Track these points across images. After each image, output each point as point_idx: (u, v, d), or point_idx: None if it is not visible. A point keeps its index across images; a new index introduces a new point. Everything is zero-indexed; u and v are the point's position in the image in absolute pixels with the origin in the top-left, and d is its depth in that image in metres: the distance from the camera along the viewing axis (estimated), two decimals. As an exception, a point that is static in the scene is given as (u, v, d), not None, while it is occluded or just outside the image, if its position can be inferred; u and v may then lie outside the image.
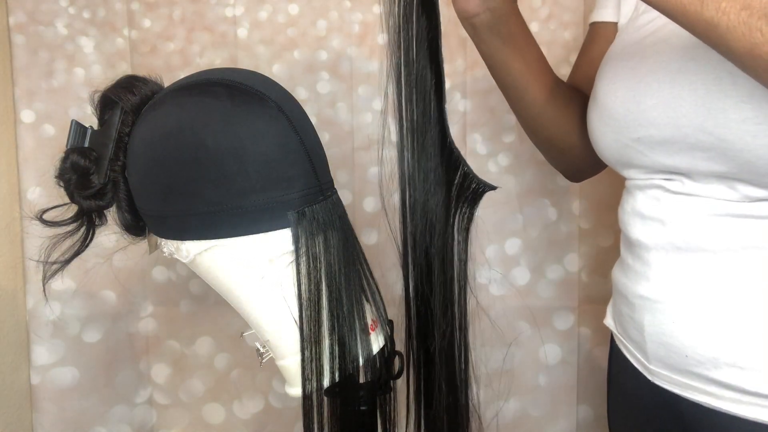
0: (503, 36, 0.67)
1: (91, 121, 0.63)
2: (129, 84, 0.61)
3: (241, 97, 0.57)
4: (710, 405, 0.56)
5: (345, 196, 1.08)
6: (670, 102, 0.55)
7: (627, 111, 0.60)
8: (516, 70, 0.70)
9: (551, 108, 0.73)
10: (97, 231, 0.64)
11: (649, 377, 0.62)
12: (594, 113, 0.66)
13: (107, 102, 0.62)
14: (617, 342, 0.70)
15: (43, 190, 1.03)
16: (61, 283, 1.04)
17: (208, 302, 1.10)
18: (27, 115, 1.03)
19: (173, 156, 0.56)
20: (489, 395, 1.14)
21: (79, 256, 0.64)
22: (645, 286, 0.61)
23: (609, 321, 0.71)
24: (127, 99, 0.60)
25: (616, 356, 0.71)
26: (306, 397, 0.60)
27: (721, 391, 0.55)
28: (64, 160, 0.60)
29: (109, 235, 0.65)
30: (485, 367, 1.13)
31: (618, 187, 0.69)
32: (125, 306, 1.09)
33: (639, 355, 0.64)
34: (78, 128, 0.61)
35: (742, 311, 0.54)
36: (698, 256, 0.56)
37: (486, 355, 1.13)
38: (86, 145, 0.61)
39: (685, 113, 0.54)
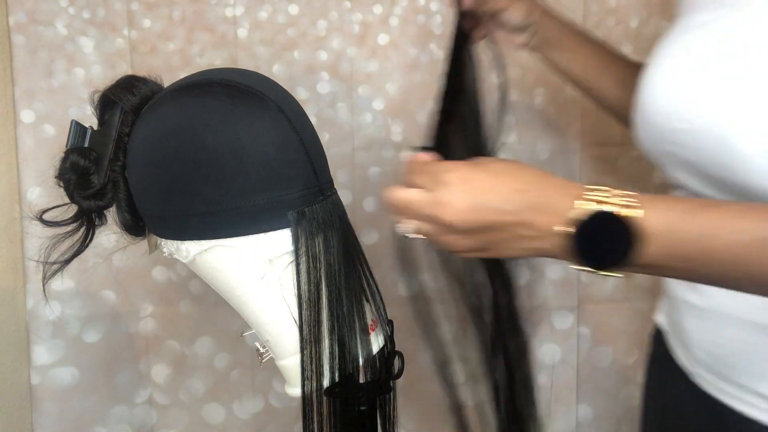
0: (550, 46, 0.76)
1: (91, 121, 0.63)
2: (129, 84, 0.61)
3: (241, 97, 0.57)
4: (754, 417, 0.52)
5: (345, 196, 1.08)
6: None
7: None
8: (578, 72, 0.76)
9: (627, 97, 0.70)
10: (97, 231, 0.64)
11: (695, 380, 0.59)
12: None
13: (107, 102, 0.62)
14: (667, 339, 0.67)
15: (43, 190, 1.03)
16: (61, 283, 1.04)
17: (208, 302, 1.10)
18: (27, 115, 1.03)
19: (173, 156, 0.56)
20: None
21: (79, 256, 0.64)
22: (693, 294, 0.58)
23: (661, 318, 0.69)
24: (126, 99, 0.60)
25: (661, 355, 0.68)
26: (305, 397, 0.60)
27: (765, 404, 0.52)
28: (64, 160, 0.60)
29: (109, 235, 0.65)
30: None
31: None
32: (125, 306, 1.09)
33: (684, 359, 0.62)
34: (78, 128, 0.61)
35: None
36: None
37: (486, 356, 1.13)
38: (86, 145, 0.61)
39: None
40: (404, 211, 0.48)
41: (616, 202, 0.42)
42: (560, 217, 0.42)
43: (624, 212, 0.41)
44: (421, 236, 0.48)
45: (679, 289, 0.61)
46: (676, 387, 0.63)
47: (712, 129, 0.47)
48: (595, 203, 0.42)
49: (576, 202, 0.42)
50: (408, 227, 0.48)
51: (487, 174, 0.44)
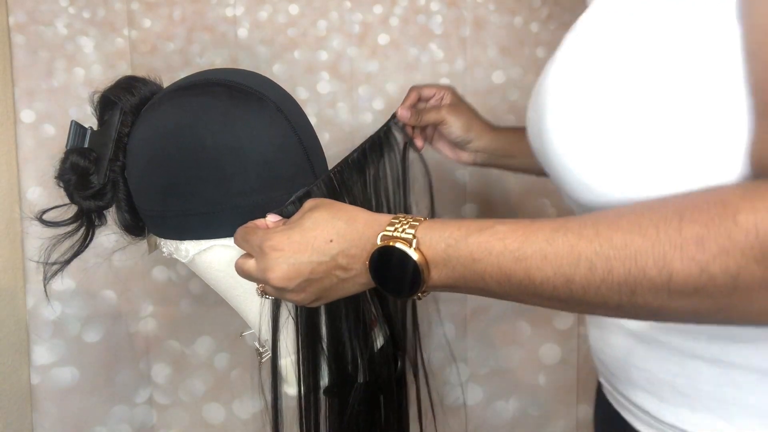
0: (497, 156, 0.80)
1: (91, 121, 0.63)
2: (128, 84, 0.61)
3: (241, 97, 0.57)
4: (632, 424, 0.52)
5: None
6: None
7: None
8: (514, 166, 0.81)
9: None
10: (97, 231, 0.64)
11: (603, 390, 0.60)
12: None
13: (107, 102, 0.62)
14: None
15: (43, 190, 1.03)
16: (61, 283, 1.04)
17: (208, 302, 1.10)
18: (27, 115, 1.03)
19: (172, 156, 0.56)
20: (489, 395, 1.14)
21: (79, 256, 0.64)
22: None
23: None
24: (126, 99, 0.60)
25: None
26: (303, 396, 0.60)
27: (639, 413, 0.51)
28: (64, 160, 0.60)
29: (109, 235, 0.65)
30: (485, 367, 1.13)
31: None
32: (125, 306, 1.09)
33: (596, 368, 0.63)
34: (77, 129, 0.61)
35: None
36: None
37: (486, 355, 1.13)
38: (86, 145, 0.61)
39: None
40: (248, 279, 0.53)
41: (398, 236, 0.44)
42: (366, 255, 0.46)
43: (400, 246, 0.44)
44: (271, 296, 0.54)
45: None
46: (600, 401, 0.64)
47: (537, 123, 0.48)
48: (382, 239, 0.45)
49: (376, 238, 0.46)
50: (260, 290, 0.54)
51: (299, 233, 0.49)
